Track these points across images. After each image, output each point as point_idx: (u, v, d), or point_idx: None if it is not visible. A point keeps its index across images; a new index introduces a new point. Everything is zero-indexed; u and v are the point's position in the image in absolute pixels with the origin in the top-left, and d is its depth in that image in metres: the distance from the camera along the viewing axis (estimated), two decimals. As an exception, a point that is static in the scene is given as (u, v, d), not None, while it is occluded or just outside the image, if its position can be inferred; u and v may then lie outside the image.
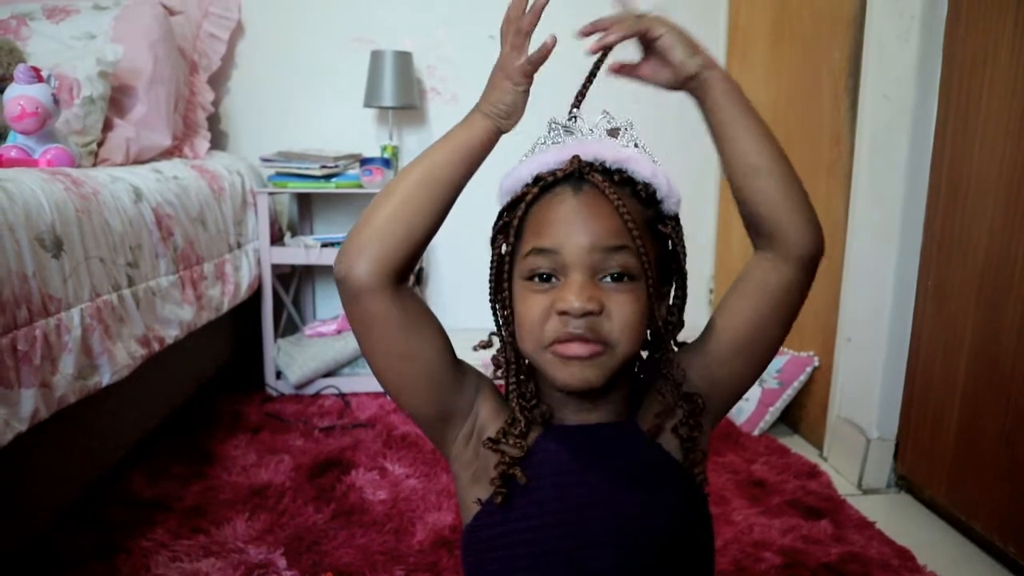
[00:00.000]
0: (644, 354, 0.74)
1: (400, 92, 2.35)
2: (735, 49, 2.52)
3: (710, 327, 0.73)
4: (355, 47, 2.51)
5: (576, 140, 0.70)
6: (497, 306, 0.72)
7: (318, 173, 2.24)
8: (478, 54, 2.60)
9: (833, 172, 1.87)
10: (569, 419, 0.71)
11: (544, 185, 0.67)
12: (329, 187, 2.27)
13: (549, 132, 0.71)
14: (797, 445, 1.95)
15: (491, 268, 0.72)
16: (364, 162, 2.24)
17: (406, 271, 0.66)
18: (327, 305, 2.68)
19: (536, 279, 0.66)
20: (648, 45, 0.67)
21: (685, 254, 0.71)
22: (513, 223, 0.68)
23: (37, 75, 1.54)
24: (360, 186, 2.25)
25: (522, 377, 0.71)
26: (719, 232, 2.66)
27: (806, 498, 1.62)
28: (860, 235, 1.75)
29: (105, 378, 1.32)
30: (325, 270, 2.63)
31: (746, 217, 0.69)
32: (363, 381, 2.30)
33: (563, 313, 0.63)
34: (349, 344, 2.31)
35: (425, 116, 2.59)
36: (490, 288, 0.73)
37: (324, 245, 2.27)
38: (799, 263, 0.67)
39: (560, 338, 0.63)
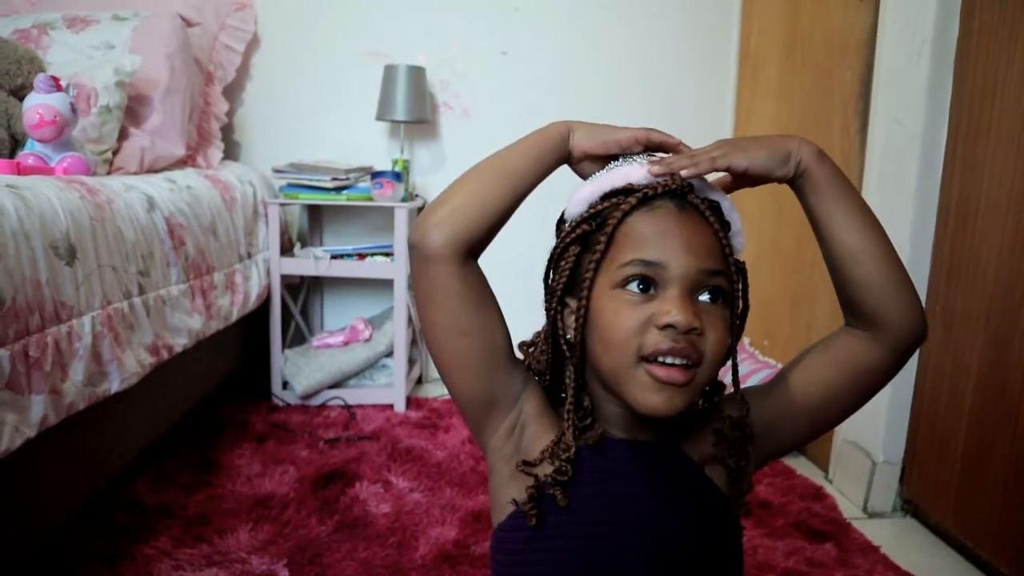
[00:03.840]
0: None
1: (412, 106, 2.37)
2: (746, 73, 2.53)
3: (782, 382, 0.72)
4: (369, 61, 2.54)
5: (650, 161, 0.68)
6: (559, 318, 0.70)
7: (329, 185, 2.25)
8: (491, 70, 2.66)
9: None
10: (616, 433, 0.69)
11: (643, 197, 0.65)
12: (340, 199, 2.28)
13: (620, 158, 0.71)
14: (802, 467, 1.94)
15: (563, 276, 0.69)
16: (375, 175, 2.26)
17: (477, 248, 0.67)
18: (335, 316, 2.69)
19: (633, 288, 0.63)
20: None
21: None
22: (606, 230, 0.65)
23: (56, 84, 1.56)
24: (371, 199, 2.26)
25: (581, 395, 0.69)
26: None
27: (811, 520, 1.61)
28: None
29: (114, 385, 1.33)
30: (333, 281, 2.64)
31: (847, 300, 0.69)
32: (369, 393, 2.30)
33: (666, 327, 0.61)
34: (356, 356, 2.32)
35: (437, 131, 2.61)
36: (554, 298, 0.70)
37: (333, 257, 2.28)
38: (897, 350, 0.68)
39: (660, 351, 0.61)
